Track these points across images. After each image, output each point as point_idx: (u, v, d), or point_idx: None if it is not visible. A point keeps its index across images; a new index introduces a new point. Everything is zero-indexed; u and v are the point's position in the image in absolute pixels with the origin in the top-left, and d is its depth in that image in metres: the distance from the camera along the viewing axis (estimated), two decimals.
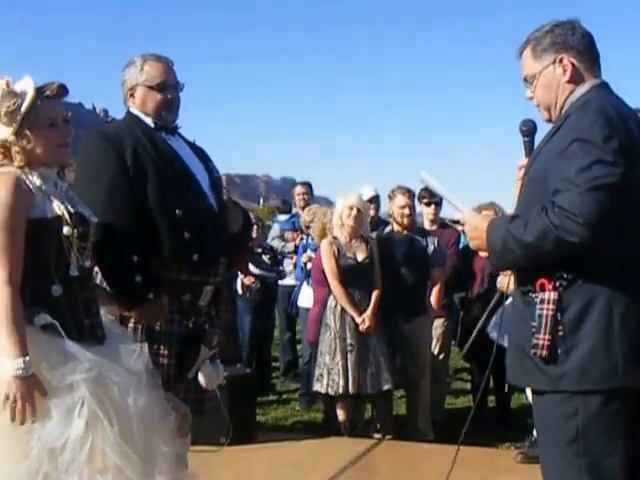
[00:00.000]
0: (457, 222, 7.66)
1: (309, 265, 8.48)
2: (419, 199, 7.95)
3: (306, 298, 8.56)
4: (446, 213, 8.56)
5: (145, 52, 4.17)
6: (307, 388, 8.50)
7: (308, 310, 8.42)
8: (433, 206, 8.15)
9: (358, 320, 6.75)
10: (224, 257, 4.12)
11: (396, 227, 7.36)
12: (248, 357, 9.15)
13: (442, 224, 8.64)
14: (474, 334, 6.72)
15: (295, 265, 9.14)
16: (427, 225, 8.25)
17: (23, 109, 3.32)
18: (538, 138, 3.38)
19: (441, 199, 8.10)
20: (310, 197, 9.76)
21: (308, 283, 8.48)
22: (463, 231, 4.92)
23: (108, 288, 3.86)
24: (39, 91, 3.36)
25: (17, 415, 3.09)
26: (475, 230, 3.16)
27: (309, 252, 8.49)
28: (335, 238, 7.03)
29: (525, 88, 3.31)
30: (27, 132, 3.32)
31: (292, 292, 9.07)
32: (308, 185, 9.80)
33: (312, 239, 8.46)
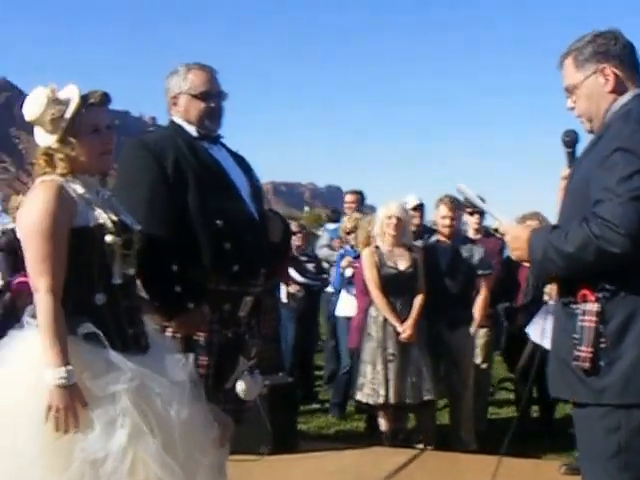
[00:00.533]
0: (496, 230, 7.61)
1: (348, 272, 8.47)
2: (463, 208, 7.92)
3: (344, 307, 8.56)
4: (490, 221, 8.51)
5: (189, 61, 4.18)
6: (342, 397, 8.50)
7: (347, 319, 8.42)
8: (477, 215, 8.13)
9: (399, 329, 6.72)
10: (264, 267, 4.11)
11: (440, 237, 7.32)
12: (291, 366, 9.08)
13: (486, 233, 8.60)
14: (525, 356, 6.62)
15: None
16: (471, 234, 8.21)
17: (68, 116, 3.35)
18: (580, 148, 3.36)
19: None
20: (361, 206, 9.58)
21: (348, 291, 8.48)
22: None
23: (148, 297, 3.85)
24: (83, 99, 3.39)
25: (60, 425, 3.09)
26: (516, 240, 3.14)
27: (349, 257, 8.46)
28: (377, 247, 7.00)
29: (566, 98, 3.28)
30: (71, 139, 3.35)
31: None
32: (359, 194, 9.62)
33: (351, 246, 8.48)
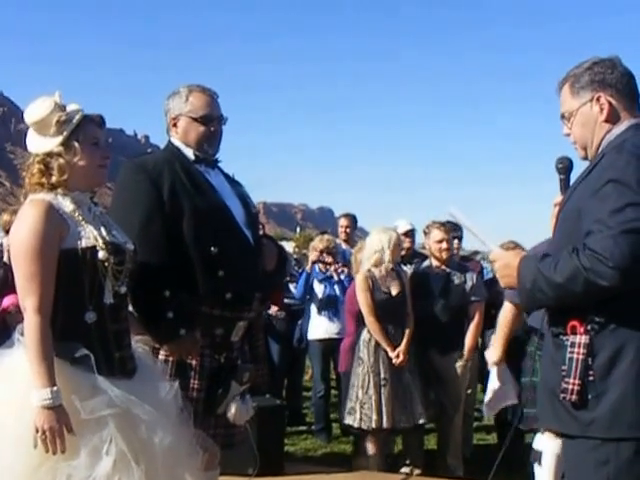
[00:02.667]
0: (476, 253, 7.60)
1: (319, 292, 8.57)
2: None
3: (316, 330, 8.62)
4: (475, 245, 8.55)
5: (188, 82, 4.17)
6: (325, 421, 8.48)
7: (318, 342, 8.48)
8: (456, 240, 8.17)
9: (392, 355, 6.73)
10: (258, 294, 4.10)
11: (434, 262, 7.29)
12: (277, 387, 9.03)
13: (463, 257, 8.65)
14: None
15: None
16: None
17: (74, 121, 3.38)
18: (574, 175, 3.36)
19: (463, 233, 8.14)
20: (354, 230, 9.59)
21: (320, 313, 8.54)
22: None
23: (139, 321, 3.84)
24: (85, 114, 3.45)
25: (45, 446, 3.08)
26: (506, 268, 3.12)
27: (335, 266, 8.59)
28: (370, 272, 7.00)
29: (562, 125, 3.28)
30: (75, 144, 3.37)
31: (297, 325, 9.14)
32: (352, 217, 9.59)
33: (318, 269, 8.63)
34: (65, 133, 3.37)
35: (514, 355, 5.74)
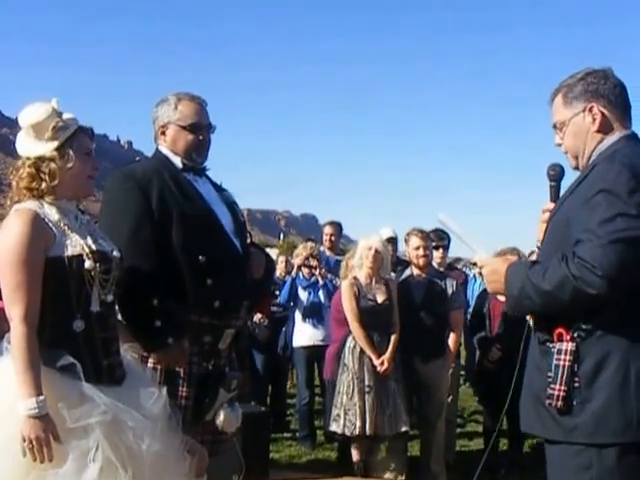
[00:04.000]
0: (474, 264, 7.62)
1: (303, 299, 8.66)
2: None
3: (301, 337, 8.67)
4: (464, 253, 8.59)
5: (176, 87, 4.18)
6: (309, 429, 8.48)
7: (303, 349, 8.52)
8: (441, 249, 8.23)
9: (376, 362, 6.74)
10: (246, 302, 4.11)
11: (415, 270, 7.35)
12: (262, 394, 9.05)
13: (449, 266, 8.69)
14: None
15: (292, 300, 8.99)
16: (436, 267, 8.29)
17: (71, 129, 3.40)
18: (565, 183, 3.38)
19: (449, 242, 8.18)
20: (338, 238, 9.58)
21: (305, 320, 8.59)
22: (480, 273, 4.89)
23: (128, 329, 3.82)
24: (80, 125, 3.47)
25: (32, 456, 3.08)
26: (494, 273, 3.15)
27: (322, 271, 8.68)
28: (356, 279, 7.02)
29: (554, 134, 3.31)
30: (69, 151, 3.37)
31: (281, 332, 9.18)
32: (337, 225, 9.58)
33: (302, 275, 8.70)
34: (61, 139, 3.37)
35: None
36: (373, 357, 6.78)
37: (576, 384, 2.93)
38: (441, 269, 8.18)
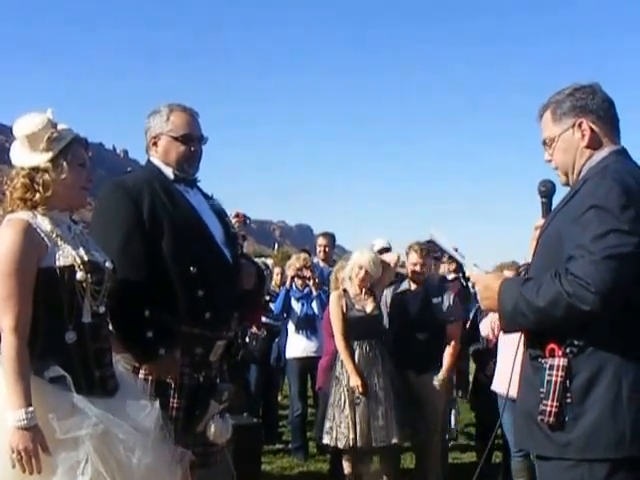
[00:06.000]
0: (468, 279, 7.63)
1: (297, 309, 8.67)
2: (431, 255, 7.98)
3: (294, 348, 8.67)
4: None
5: (173, 97, 4.19)
6: (301, 440, 8.46)
7: (296, 360, 8.51)
8: (434, 261, 8.23)
9: (352, 382, 6.66)
10: (236, 313, 4.10)
11: (411, 284, 7.34)
12: (254, 406, 9.06)
13: (443, 277, 8.73)
14: None
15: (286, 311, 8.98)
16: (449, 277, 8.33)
17: (66, 140, 3.40)
18: (556, 199, 3.38)
19: (442, 254, 8.18)
20: (332, 249, 9.61)
21: (298, 331, 8.59)
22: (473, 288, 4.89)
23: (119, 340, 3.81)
24: (75, 136, 3.47)
25: (20, 467, 3.06)
26: (487, 290, 3.15)
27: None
28: (345, 291, 7.01)
29: (544, 151, 3.30)
30: (63, 163, 3.37)
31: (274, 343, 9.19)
32: (330, 236, 9.60)
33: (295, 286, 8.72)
34: (55, 150, 3.37)
35: None
36: (350, 372, 6.69)
37: (568, 400, 2.92)
38: (452, 275, 8.20)
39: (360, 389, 6.68)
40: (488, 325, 6.97)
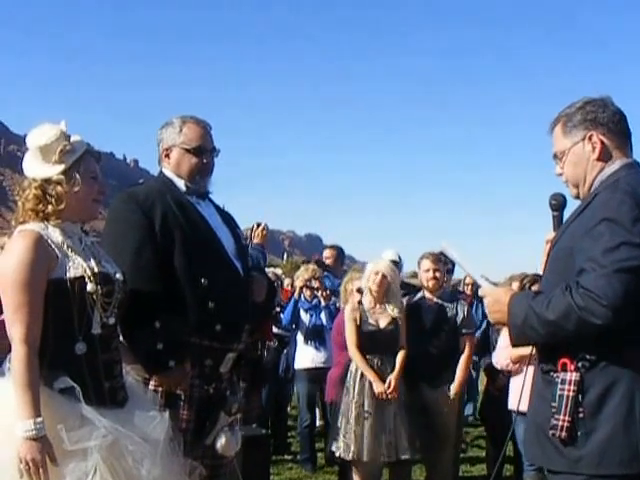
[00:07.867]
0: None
1: (305, 321, 8.65)
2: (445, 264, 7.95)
3: (303, 359, 8.64)
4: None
5: (181, 111, 4.18)
6: (310, 451, 8.44)
7: (304, 371, 8.49)
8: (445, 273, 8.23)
9: (376, 388, 6.63)
10: (247, 325, 4.09)
11: (426, 293, 7.27)
12: (263, 417, 8.98)
13: (454, 288, 8.71)
14: None
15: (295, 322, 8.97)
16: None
17: (78, 153, 3.40)
18: (567, 212, 3.36)
19: (453, 266, 8.15)
20: (339, 260, 9.60)
21: (307, 342, 8.56)
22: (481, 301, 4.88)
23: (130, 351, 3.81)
24: (88, 148, 3.48)
25: (31, 477, 3.06)
26: (496, 304, 3.13)
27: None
28: (360, 303, 6.97)
29: (555, 164, 3.29)
30: (76, 175, 3.38)
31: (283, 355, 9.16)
32: (338, 249, 9.63)
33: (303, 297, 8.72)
34: (68, 163, 3.38)
35: None
36: (373, 380, 6.65)
37: (580, 414, 2.91)
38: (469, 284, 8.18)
39: (393, 383, 6.63)
40: (504, 355, 6.80)
